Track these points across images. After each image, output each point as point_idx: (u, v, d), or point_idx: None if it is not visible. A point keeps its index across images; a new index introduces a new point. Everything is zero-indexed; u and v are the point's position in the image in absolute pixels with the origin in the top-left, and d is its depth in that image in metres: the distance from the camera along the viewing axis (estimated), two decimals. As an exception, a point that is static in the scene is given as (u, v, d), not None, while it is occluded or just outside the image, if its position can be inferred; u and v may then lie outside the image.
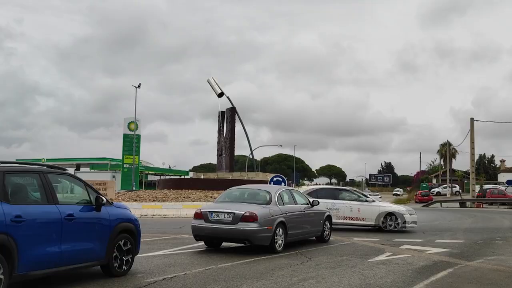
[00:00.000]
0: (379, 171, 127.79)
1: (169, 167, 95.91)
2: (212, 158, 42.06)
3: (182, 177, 66.86)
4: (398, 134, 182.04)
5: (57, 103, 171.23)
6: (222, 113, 39.27)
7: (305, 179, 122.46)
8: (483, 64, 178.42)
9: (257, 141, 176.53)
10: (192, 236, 10.77)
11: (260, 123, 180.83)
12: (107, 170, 68.20)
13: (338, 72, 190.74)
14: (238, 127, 39.66)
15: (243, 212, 10.08)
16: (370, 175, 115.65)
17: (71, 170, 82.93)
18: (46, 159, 79.75)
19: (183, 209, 23.01)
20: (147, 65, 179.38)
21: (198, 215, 10.66)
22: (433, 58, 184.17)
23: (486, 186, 58.18)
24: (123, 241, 7.42)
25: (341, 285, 7.00)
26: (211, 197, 26.73)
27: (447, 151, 76.60)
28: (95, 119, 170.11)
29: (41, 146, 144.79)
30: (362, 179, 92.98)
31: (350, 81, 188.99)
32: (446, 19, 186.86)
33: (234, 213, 10.12)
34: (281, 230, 10.56)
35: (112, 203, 7.70)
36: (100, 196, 7.21)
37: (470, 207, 44.39)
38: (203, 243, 11.24)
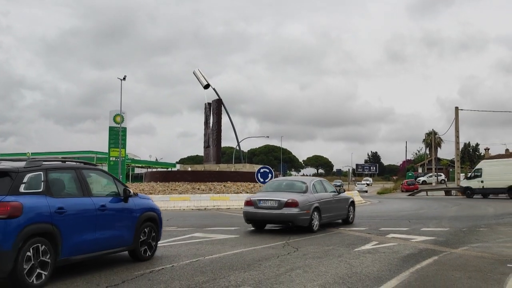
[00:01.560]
0: (366, 161, 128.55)
1: (156, 159, 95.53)
2: (199, 150, 42.05)
3: (169, 169, 66.65)
4: (385, 124, 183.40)
5: (43, 96, 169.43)
6: (209, 105, 39.14)
7: (292, 170, 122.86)
8: (470, 53, 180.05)
9: (245, 133, 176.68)
10: (179, 229, 10.79)
11: (248, 114, 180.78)
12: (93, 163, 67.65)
13: (326, 63, 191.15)
14: (225, 119, 39.62)
15: (286, 199, 12.14)
16: (357, 165, 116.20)
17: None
18: (31, 153, 79.04)
19: (170, 201, 22.94)
20: (134, 57, 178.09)
21: (248, 203, 12.81)
22: (421, 48, 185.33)
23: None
24: (147, 228, 8.35)
25: (328, 274, 7.05)
26: (198, 189, 26.71)
27: (432, 140, 77.32)
28: (82, 112, 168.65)
29: (27, 140, 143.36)
30: (349, 169, 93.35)
31: (338, 72, 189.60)
32: (434, 9, 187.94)
33: (279, 200, 12.17)
34: (316, 214, 12.66)
35: (137, 194, 8.43)
36: (127, 188, 8.05)
37: (455, 195, 44.95)
38: (190, 235, 11.37)
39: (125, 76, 48.19)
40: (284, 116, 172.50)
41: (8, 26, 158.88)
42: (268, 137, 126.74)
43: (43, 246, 6.18)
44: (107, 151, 55.73)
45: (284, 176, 69.58)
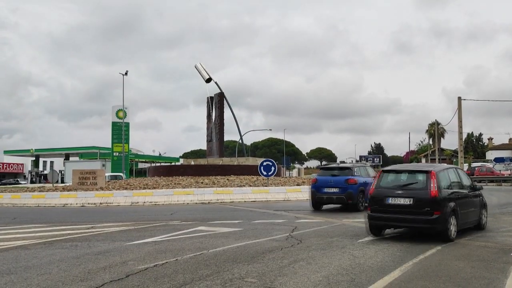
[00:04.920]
0: (369, 153, 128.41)
1: (160, 154, 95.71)
2: (203, 144, 42.04)
3: (173, 164, 66.73)
4: (391, 115, 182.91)
5: (50, 92, 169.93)
6: (211, 99, 39.11)
7: (296, 162, 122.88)
8: (478, 44, 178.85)
9: (250, 126, 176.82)
10: (183, 223, 10.81)
11: (254, 107, 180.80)
12: (96, 159, 67.86)
13: (332, 55, 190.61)
14: (228, 112, 39.59)
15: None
16: (360, 157, 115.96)
17: (60, 160, 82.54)
18: (35, 149, 79.23)
19: (174, 195, 22.98)
20: (141, 52, 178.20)
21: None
22: (429, 39, 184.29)
23: (474, 164, 58.82)
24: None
25: (331, 265, 7.06)
26: (202, 183, 26.73)
27: (435, 131, 77.13)
28: (89, 108, 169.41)
29: (32, 136, 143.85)
30: (352, 161, 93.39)
31: (344, 64, 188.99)
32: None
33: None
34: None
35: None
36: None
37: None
38: (194, 228, 11.43)
39: (127, 71, 48.40)
40: (290, 109, 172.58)
41: (17, 23, 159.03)
42: (271, 130, 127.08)
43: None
44: (110, 146, 55.86)
45: (287, 169, 69.60)
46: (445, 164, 13.67)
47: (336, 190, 16.57)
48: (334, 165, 19.74)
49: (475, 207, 11.14)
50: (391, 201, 9.74)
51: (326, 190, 16.76)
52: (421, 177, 9.82)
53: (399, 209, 9.60)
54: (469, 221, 10.75)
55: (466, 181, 11.27)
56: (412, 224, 9.63)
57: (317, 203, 17.18)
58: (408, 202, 9.51)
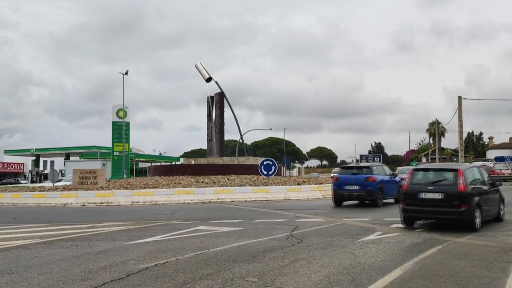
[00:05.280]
0: (370, 152, 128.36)
1: (160, 153, 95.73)
2: (204, 143, 41.92)
3: (173, 163, 66.74)
4: (392, 114, 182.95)
5: (51, 92, 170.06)
6: (211, 98, 39.10)
7: (296, 162, 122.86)
8: (479, 43, 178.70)
9: (251, 125, 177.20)
10: (184, 222, 10.81)
11: (255, 107, 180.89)
12: (96, 158, 67.86)
13: (333, 54, 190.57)
14: (228, 112, 39.58)
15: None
16: (361, 156, 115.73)
17: (60, 160, 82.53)
18: (35, 149, 79.21)
19: (174, 195, 22.98)
20: (141, 52, 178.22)
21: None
22: (430, 38, 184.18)
23: (475, 163, 58.69)
24: None
25: (332, 265, 7.06)
26: (202, 182, 26.72)
27: (435, 130, 77.09)
28: (90, 107, 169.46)
29: (32, 136, 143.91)
30: (353, 160, 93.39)
31: (345, 63, 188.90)
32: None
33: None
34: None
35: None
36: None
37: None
38: (195, 228, 11.42)
39: (127, 70, 48.35)
40: (290, 108, 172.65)
41: (18, 23, 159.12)
42: (271, 129, 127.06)
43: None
44: (111, 146, 55.83)
45: (288, 169, 69.52)
46: (469, 163, 16.02)
47: (357, 187, 18.21)
48: (354, 164, 23.16)
49: (495, 202, 12.50)
50: (423, 195, 11.01)
51: (347, 187, 18.41)
52: (450, 175, 11.09)
53: (430, 202, 10.87)
54: (490, 213, 12.00)
55: (487, 179, 12.65)
56: (442, 215, 10.90)
57: (339, 199, 18.73)
58: (439, 197, 10.77)
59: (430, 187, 10.97)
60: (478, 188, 11.33)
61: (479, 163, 57.38)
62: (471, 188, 10.85)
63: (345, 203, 19.16)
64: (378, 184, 18.20)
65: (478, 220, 10.76)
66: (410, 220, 11.52)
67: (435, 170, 11.79)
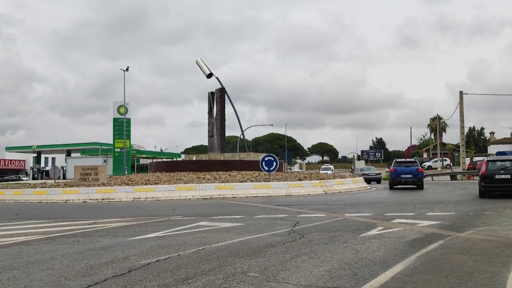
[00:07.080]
0: (371, 147, 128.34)
1: (161, 150, 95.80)
2: (205, 139, 41.85)
3: (174, 159, 66.78)
4: (394, 109, 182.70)
5: (54, 89, 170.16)
6: (212, 94, 39.08)
7: (297, 157, 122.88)
8: (484, 37, 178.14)
9: (253, 121, 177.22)
10: (185, 218, 10.82)
11: (258, 102, 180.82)
12: (98, 155, 67.90)
13: (336, 49, 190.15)
14: (230, 108, 39.53)
15: None
16: (362, 151, 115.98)
17: (61, 156, 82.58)
18: (37, 145, 79.25)
19: (175, 191, 23.01)
20: (145, 48, 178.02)
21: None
22: (434, 33, 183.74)
23: (476, 159, 58.67)
24: None
25: (334, 260, 7.05)
26: (203, 178, 26.74)
27: (437, 125, 76.99)
28: (93, 104, 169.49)
29: (35, 133, 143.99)
30: (354, 156, 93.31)
31: (348, 58, 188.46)
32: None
33: None
34: None
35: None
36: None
37: (461, 179, 44.84)
38: (196, 224, 11.39)
39: (128, 67, 48.28)
40: (293, 104, 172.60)
41: (22, 20, 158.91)
42: (272, 125, 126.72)
43: None
44: (112, 142, 55.86)
45: (289, 164, 69.41)
46: None
47: (410, 176, 27.69)
48: (404, 160, 31.04)
49: None
50: (497, 176, 18.20)
51: (403, 176, 27.89)
52: None
53: (502, 182, 18.10)
54: None
55: None
56: (510, 189, 18.14)
57: (395, 184, 28.39)
58: (509, 177, 17.98)
59: (501, 171, 18.14)
60: None
61: (480, 158, 57.38)
62: None
63: (346, 199, 19.19)
64: (423, 174, 27.06)
65: None
66: (487, 192, 18.74)
67: (503, 160, 19.07)
